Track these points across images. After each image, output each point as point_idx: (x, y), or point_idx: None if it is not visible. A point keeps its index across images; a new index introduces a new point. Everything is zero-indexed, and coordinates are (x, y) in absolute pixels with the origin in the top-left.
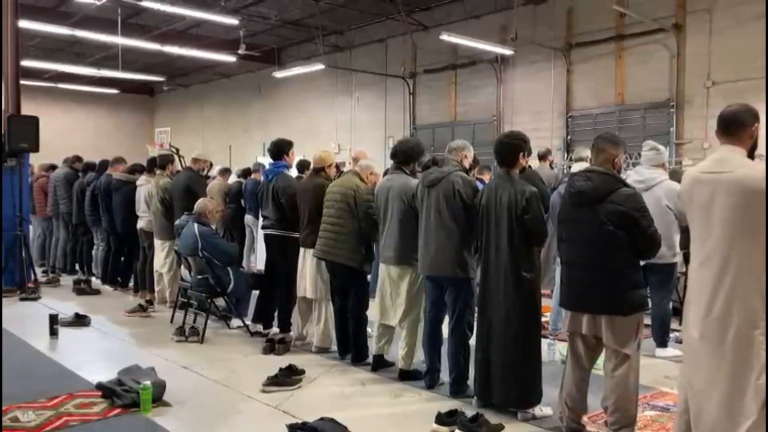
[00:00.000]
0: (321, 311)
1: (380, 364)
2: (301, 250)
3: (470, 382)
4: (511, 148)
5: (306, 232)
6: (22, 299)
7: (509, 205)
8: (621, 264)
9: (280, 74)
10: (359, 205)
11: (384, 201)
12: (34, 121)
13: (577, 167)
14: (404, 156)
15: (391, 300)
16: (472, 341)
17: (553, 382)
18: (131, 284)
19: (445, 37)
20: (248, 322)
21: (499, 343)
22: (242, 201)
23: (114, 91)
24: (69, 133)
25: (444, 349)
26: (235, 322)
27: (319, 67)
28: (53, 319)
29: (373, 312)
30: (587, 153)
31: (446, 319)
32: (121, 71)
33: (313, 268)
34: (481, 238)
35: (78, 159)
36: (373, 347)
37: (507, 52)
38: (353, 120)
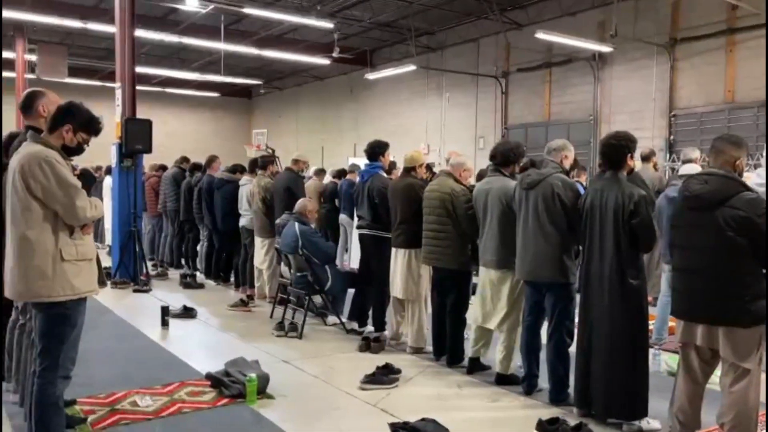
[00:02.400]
0: (414, 312)
1: (476, 367)
2: (393, 250)
3: (570, 390)
4: (618, 149)
5: (397, 232)
6: (135, 291)
7: (616, 208)
8: (742, 272)
9: (371, 76)
10: (457, 207)
11: (483, 204)
12: (147, 124)
13: (686, 170)
14: (503, 158)
15: (492, 304)
16: (572, 348)
17: (658, 395)
18: (232, 279)
19: (540, 35)
20: (344, 320)
21: (602, 353)
22: (336, 201)
23: (215, 94)
24: (174, 135)
25: (542, 355)
26: (331, 319)
27: (411, 68)
28: (165, 311)
29: (469, 314)
30: (696, 154)
31: (545, 325)
32: (223, 75)
33: (404, 269)
34: (584, 242)
35: (185, 159)
36: (469, 350)
37: (605, 49)
38: (443, 120)
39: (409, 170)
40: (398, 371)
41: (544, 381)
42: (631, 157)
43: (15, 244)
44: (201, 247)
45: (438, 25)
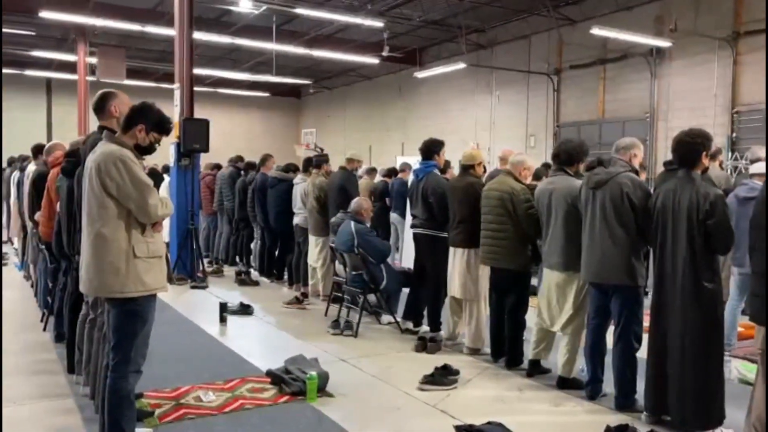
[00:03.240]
0: (472, 312)
1: (536, 369)
2: (451, 249)
3: (637, 396)
4: (692, 147)
5: (456, 232)
6: (192, 287)
7: (690, 208)
8: None
9: (421, 74)
10: (517, 207)
11: (546, 204)
12: (205, 124)
13: (756, 168)
14: (567, 156)
15: (558, 306)
16: (639, 353)
17: (731, 402)
18: (286, 277)
19: (596, 31)
20: (399, 319)
21: (676, 359)
22: (387, 200)
23: (265, 94)
24: (226, 135)
25: (607, 359)
26: (386, 318)
27: (461, 66)
28: (223, 308)
29: (528, 316)
30: (763, 152)
31: (610, 328)
32: (274, 76)
33: (463, 269)
34: (655, 243)
35: (240, 158)
36: (528, 352)
37: (664, 44)
38: (493, 119)
39: (467, 168)
40: (457, 372)
41: (607, 386)
42: (707, 156)
43: (91, 240)
44: (255, 245)
45: (488, 22)
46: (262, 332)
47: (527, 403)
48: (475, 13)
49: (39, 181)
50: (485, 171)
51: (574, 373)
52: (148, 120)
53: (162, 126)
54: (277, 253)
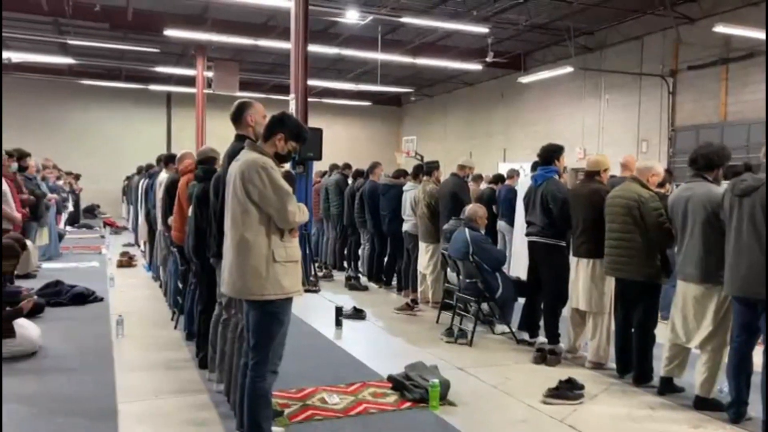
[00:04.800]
0: (596, 324)
1: (669, 388)
2: (574, 259)
3: None
4: None
5: (580, 241)
6: (306, 291)
7: None
8: None
9: (525, 79)
10: (646, 215)
11: (682, 212)
12: (318, 133)
13: None
14: (706, 161)
15: (695, 321)
16: None
17: None
18: (394, 283)
19: (720, 28)
20: (514, 329)
21: None
22: (494, 207)
23: (367, 103)
24: (328, 143)
25: (754, 380)
26: (500, 327)
27: (568, 69)
28: (339, 311)
29: (658, 330)
30: None
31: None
32: (377, 85)
33: (587, 280)
34: None
35: (348, 166)
36: (659, 368)
37: None
38: (601, 123)
39: (592, 175)
40: (582, 387)
41: (752, 409)
42: None
43: (234, 244)
44: (362, 251)
45: (598, 24)
46: (377, 337)
47: (661, 423)
48: (583, 15)
49: (172, 187)
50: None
51: (713, 394)
52: (287, 129)
53: (299, 135)
54: (386, 259)
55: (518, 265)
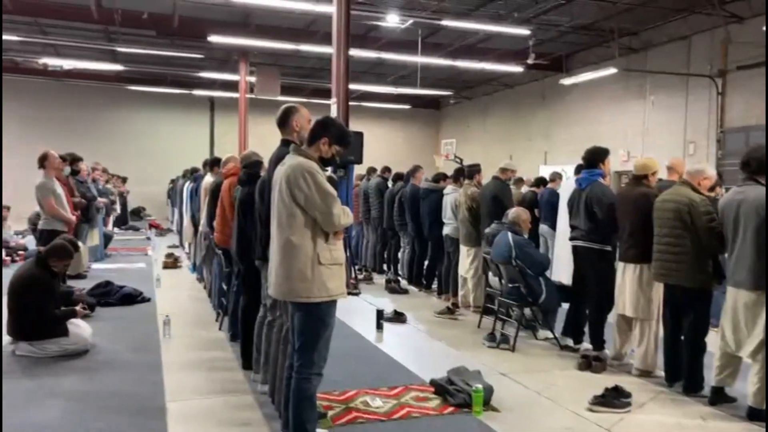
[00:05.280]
0: (644, 331)
1: (720, 398)
2: (620, 264)
3: None
4: None
5: (627, 246)
6: (347, 293)
7: None
8: None
9: (567, 81)
10: (696, 219)
11: (733, 216)
12: (359, 137)
13: None
14: (759, 164)
15: (746, 329)
16: None
17: None
18: (434, 286)
19: None
20: (557, 335)
21: None
22: (536, 210)
23: (406, 106)
24: (368, 146)
25: None
26: (543, 332)
27: (612, 71)
28: (380, 314)
29: (709, 338)
30: None
31: None
32: (417, 88)
33: (634, 285)
34: None
35: (387, 169)
36: (710, 378)
37: None
38: (646, 125)
39: (640, 178)
40: (629, 395)
41: None
42: None
43: (280, 248)
44: (402, 254)
45: (643, 24)
46: (418, 341)
47: None
48: (628, 16)
49: (216, 190)
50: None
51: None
52: (331, 134)
53: (343, 139)
54: (426, 262)
55: (560, 270)
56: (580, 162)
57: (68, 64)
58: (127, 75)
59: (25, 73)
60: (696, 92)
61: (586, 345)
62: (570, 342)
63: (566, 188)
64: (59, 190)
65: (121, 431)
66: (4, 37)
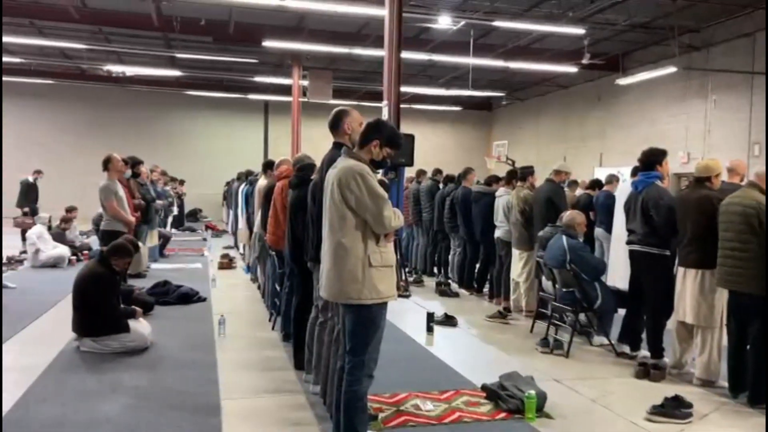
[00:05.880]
0: (706, 340)
1: None
2: (680, 269)
3: None
4: None
5: (687, 250)
6: (398, 296)
7: None
8: None
9: (623, 81)
10: (765, 223)
11: None
12: (411, 139)
13: None
14: None
15: None
16: None
17: None
18: (485, 290)
19: None
20: (613, 341)
21: None
22: (591, 213)
23: (457, 108)
24: (419, 149)
25: None
26: (598, 339)
27: (671, 70)
28: (430, 317)
29: None
30: None
31: None
32: (469, 90)
33: (695, 292)
34: None
35: (439, 171)
36: None
37: None
38: (707, 126)
39: (702, 181)
40: (690, 405)
41: None
42: None
43: (332, 249)
44: (453, 257)
45: (704, 21)
46: (469, 344)
47: None
48: (689, 12)
49: (269, 193)
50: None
51: None
52: (382, 136)
53: (395, 141)
54: (478, 265)
55: (616, 275)
56: (637, 164)
57: (130, 70)
58: (185, 80)
59: (90, 79)
60: (761, 91)
61: (644, 352)
62: (627, 349)
63: (623, 191)
64: (121, 192)
65: (180, 428)
66: (72, 45)
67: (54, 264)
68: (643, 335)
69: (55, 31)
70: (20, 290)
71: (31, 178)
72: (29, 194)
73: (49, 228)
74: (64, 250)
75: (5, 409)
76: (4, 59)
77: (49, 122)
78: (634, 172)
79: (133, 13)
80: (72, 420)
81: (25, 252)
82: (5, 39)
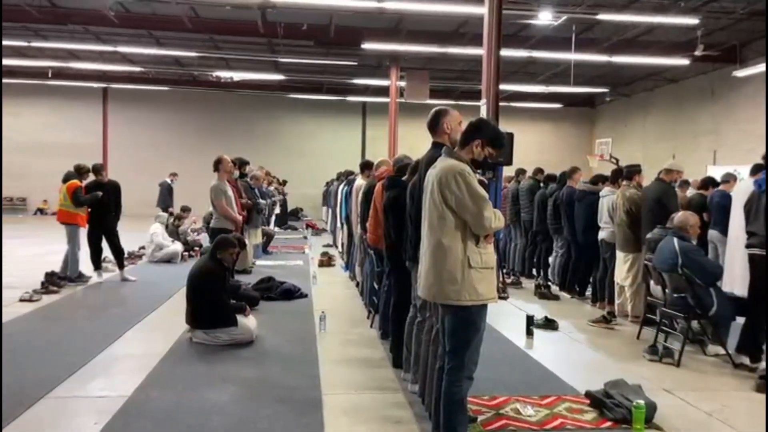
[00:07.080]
0: None
1: None
2: None
3: None
4: None
5: None
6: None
7: None
8: None
9: (741, 73)
10: None
11: None
12: (509, 138)
13: None
14: None
15: None
16: None
17: None
18: (588, 293)
19: None
20: (731, 351)
21: None
22: (704, 215)
23: (558, 105)
24: (517, 147)
25: None
26: (713, 348)
27: None
28: (530, 320)
29: None
30: None
31: None
32: (570, 86)
33: None
34: None
35: (540, 171)
36: None
37: None
38: None
39: None
40: None
41: None
42: None
43: (431, 249)
44: (553, 258)
45: None
46: (570, 349)
47: None
48: None
49: (368, 193)
50: None
51: None
52: (485, 135)
53: (497, 141)
54: (581, 268)
55: (733, 280)
56: (759, 162)
57: (237, 75)
58: (287, 84)
59: (201, 85)
60: None
61: (765, 364)
62: (746, 360)
63: (741, 190)
64: (230, 191)
65: (285, 421)
66: (185, 53)
67: (169, 260)
68: (765, 346)
69: (171, 41)
70: (140, 283)
71: (168, 180)
72: (170, 195)
73: (167, 227)
74: (177, 247)
75: (129, 392)
76: (129, 69)
77: (164, 127)
78: (755, 170)
79: (240, 20)
80: (186, 407)
81: (143, 248)
82: (128, 50)
